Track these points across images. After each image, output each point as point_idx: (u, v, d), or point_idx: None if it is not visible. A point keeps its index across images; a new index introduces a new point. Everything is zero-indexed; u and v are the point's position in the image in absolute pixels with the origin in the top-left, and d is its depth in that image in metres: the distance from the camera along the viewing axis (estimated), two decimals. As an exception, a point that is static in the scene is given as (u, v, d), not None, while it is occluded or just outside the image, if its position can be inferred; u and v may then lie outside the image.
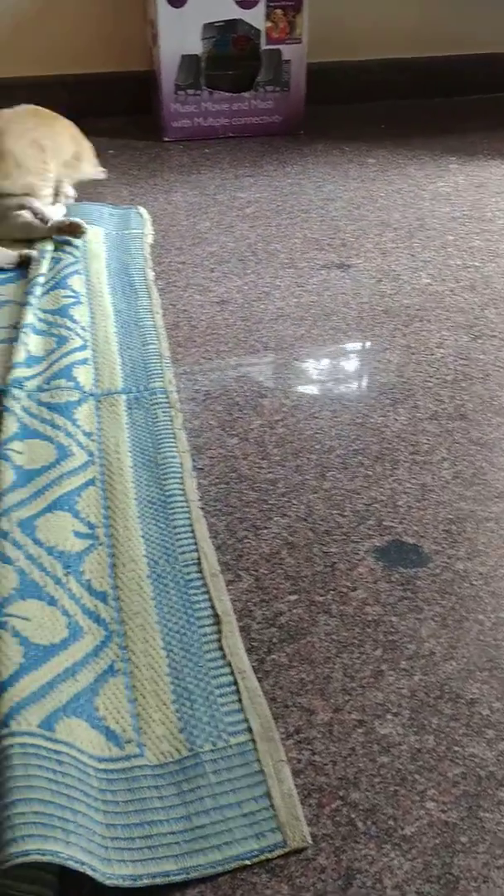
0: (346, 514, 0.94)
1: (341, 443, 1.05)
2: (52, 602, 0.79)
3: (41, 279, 1.34)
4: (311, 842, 0.63)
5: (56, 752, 0.65)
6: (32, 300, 1.27)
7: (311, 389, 1.17)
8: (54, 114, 1.56)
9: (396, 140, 2.05)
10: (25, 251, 1.41)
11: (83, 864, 0.58)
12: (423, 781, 0.67)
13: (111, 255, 1.46)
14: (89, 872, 0.58)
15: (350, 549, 0.89)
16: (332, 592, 0.84)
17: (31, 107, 1.52)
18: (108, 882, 0.59)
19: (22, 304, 1.27)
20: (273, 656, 0.77)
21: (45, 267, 1.37)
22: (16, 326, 1.22)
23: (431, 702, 0.73)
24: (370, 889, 0.60)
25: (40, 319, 1.25)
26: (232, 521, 0.93)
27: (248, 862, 0.62)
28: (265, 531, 0.92)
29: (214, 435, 1.06)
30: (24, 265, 1.40)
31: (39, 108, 1.53)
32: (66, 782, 0.63)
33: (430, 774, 0.68)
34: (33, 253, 1.40)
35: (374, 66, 2.25)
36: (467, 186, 1.80)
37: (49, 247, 1.43)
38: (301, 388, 1.17)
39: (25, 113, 1.50)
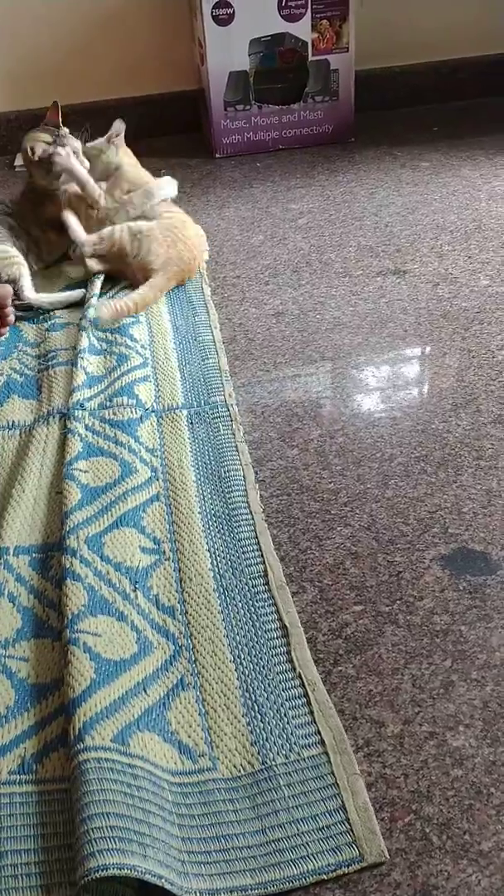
0: (409, 522, 0.93)
1: (403, 450, 1.04)
2: (121, 618, 0.81)
3: (94, 300, 1.36)
4: (387, 857, 0.62)
5: (131, 766, 0.66)
6: (86, 323, 1.29)
7: (370, 397, 1.16)
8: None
9: (450, 142, 2.03)
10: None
11: (161, 877, 0.59)
12: (500, 795, 0.66)
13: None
14: (167, 886, 0.59)
15: (415, 558, 0.88)
16: (398, 602, 0.83)
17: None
18: (185, 896, 0.59)
19: (80, 327, 1.30)
20: (340, 668, 0.77)
21: (97, 287, 1.39)
22: (75, 348, 1.25)
23: (505, 713, 0.72)
24: (449, 905, 0.59)
25: (100, 339, 1.27)
26: (294, 533, 0.93)
27: (325, 877, 0.61)
28: (328, 542, 0.91)
29: (274, 446, 1.07)
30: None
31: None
32: (142, 796, 0.64)
33: (507, 787, 0.66)
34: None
35: (423, 70, 2.23)
36: (524, 184, 1.77)
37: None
38: (360, 397, 1.17)
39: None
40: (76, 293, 1.39)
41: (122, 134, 1.51)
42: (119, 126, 1.51)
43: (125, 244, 1.37)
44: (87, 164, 1.45)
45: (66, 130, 1.44)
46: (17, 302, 1.32)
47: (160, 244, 1.37)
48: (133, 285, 1.38)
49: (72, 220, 1.41)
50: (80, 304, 1.38)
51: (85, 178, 1.43)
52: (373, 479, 1.00)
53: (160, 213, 1.46)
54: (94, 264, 1.41)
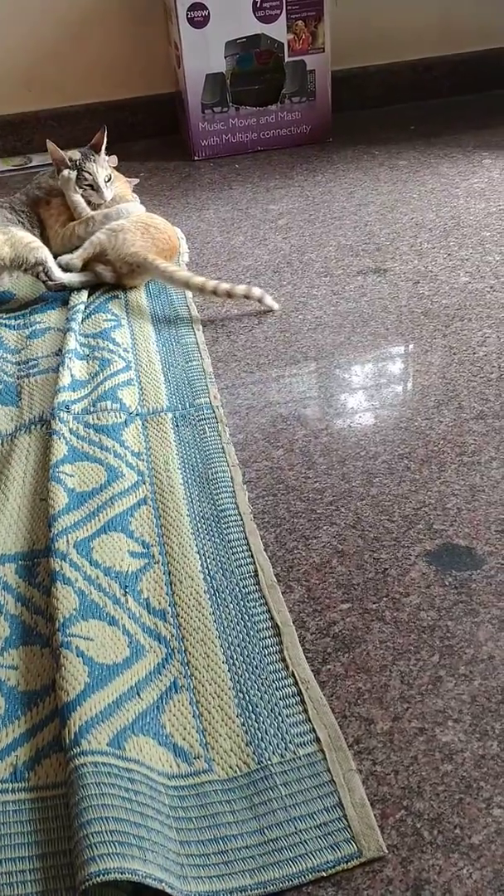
0: (394, 519, 0.94)
1: (386, 448, 1.05)
2: (112, 622, 0.81)
3: (82, 306, 1.37)
4: (386, 851, 0.63)
5: (127, 770, 0.67)
6: (74, 325, 1.30)
7: (354, 396, 1.17)
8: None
9: (427, 140, 2.04)
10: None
11: (161, 881, 0.59)
12: (489, 788, 0.67)
13: (149, 276, 1.49)
14: (167, 890, 0.59)
15: (401, 555, 0.89)
16: (385, 599, 0.84)
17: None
18: (184, 898, 0.60)
19: (64, 331, 1.30)
20: (328, 666, 0.78)
21: (85, 295, 1.41)
22: (58, 353, 1.25)
23: (493, 707, 0.73)
24: (443, 897, 0.60)
25: (82, 344, 1.28)
26: (281, 533, 0.94)
27: (323, 874, 0.62)
28: (314, 541, 0.92)
29: (259, 447, 1.08)
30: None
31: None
32: (139, 800, 0.65)
33: (496, 781, 0.67)
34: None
35: (400, 68, 2.24)
36: (502, 181, 1.79)
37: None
38: (343, 396, 1.18)
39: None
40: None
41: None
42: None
43: (103, 243, 1.44)
44: (107, 193, 1.55)
45: (101, 156, 1.55)
46: (50, 283, 1.40)
47: (133, 233, 1.43)
48: (118, 283, 1.44)
49: (52, 262, 1.45)
50: (64, 305, 1.40)
51: (75, 202, 1.53)
52: (357, 478, 1.01)
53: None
54: (102, 271, 1.45)
